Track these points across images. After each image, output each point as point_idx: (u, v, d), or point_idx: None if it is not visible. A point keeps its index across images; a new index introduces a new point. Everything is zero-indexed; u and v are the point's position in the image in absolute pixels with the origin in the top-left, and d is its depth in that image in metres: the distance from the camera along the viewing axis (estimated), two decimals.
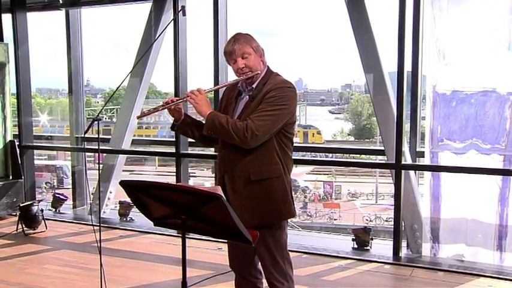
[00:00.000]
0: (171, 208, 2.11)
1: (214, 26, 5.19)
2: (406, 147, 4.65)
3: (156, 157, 15.47)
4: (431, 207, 4.50)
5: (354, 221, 20.26)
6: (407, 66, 4.52)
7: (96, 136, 3.16)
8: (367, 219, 20.67)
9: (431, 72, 4.44)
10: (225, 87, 2.93)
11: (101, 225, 4.13)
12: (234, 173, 2.68)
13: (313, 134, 27.15)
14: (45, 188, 19.17)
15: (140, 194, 2.19)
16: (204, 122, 2.70)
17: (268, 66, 2.79)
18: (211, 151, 5.60)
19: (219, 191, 2.00)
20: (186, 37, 5.37)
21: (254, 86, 2.73)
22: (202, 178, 17.53)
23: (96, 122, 3.14)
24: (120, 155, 6.01)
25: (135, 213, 6.09)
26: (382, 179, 22.95)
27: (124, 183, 2.18)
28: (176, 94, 5.22)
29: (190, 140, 5.29)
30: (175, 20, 5.14)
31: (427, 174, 4.50)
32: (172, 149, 5.43)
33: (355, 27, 4.80)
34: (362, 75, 4.90)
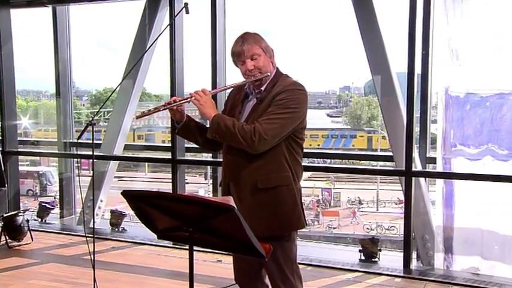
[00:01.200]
0: (178, 220, 2.07)
1: (212, 25, 5.16)
2: (416, 153, 4.63)
3: (146, 163, 15.33)
4: (444, 216, 4.48)
5: (353, 229, 20.27)
6: (417, 67, 4.51)
7: (86, 141, 3.12)
8: (367, 228, 20.67)
9: (443, 73, 4.42)
10: (230, 89, 2.90)
11: (89, 235, 4.05)
12: (240, 180, 2.66)
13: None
14: (31, 195, 18.99)
15: (144, 204, 2.14)
16: (207, 125, 2.67)
17: (277, 67, 2.77)
18: (208, 157, 5.56)
19: (231, 202, 1.96)
20: (182, 37, 5.34)
21: (263, 88, 2.71)
22: (195, 185, 17.45)
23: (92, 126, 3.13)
24: (111, 161, 5.94)
25: (128, 223, 6.05)
26: (383, 186, 22.98)
27: (126, 194, 2.13)
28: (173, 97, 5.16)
29: (187, 145, 5.30)
30: (172, 25, 5.10)
31: (439, 181, 4.48)
32: (168, 155, 5.38)
33: (362, 25, 4.77)
34: (361, 77, 4.94)
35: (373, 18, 4.72)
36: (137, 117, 2.75)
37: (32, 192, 19.87)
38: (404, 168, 4.54)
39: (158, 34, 5.42)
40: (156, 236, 2.31)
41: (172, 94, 5.20)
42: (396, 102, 4.75)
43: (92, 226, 5.83)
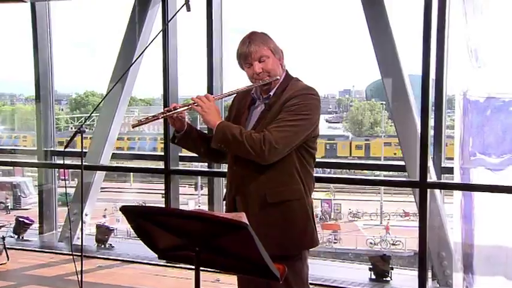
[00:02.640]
0: (183, 238, 2.03)
1: (208, 24, 5.13)
2: (430, 162, 4.62)
3: (131, 173, 15.26)
4: (462, 231, 4.44)
5: (356, 244, 20.27)
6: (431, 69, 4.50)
7: (69, 149, 3.08)
8: (371, 243, 20.67)
9: (461, 76, 4.41)
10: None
11: (76, 254, 3.98)
12: (247, 194, 2.65)
13: None
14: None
15: (144, 221, 2.10)
16: (207, 131, 2.66)
17: (286, 70, 2.77)
18: (203, 166, 5.54)
19: (244, 218, 1.94)
20: (176, 38, 5.31)
21: (271, 93, 2.70)
22: (184, 196, 17.38)
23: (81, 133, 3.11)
24: (97, 172, 5.89)
25: (115, 239, 5.99)
26: (387, 197, 23.03)
27: (126, 210, 2.10)
28: (166, 103, 5.13)
29: (180, 153, 5.27)
30: (165, 30, 5.08)
31: (457, 194, 4.45)
32: (161, 165, 5.34)
33: (372, 23, 4.77)
34: (363, 79, 4.90)
35: (384, 15, 4.71)
36: (133, 126, 2.74)
37: (3, 205, 19.61)
38: (418, 179, 4.51)
39: (149, 33, 5.42)
40: (156, 255, 2.27)
41: (166, 99, 5.16)
42: (408, 107, 4.74)
43: (79, 242, 5.75)
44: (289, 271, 2.59)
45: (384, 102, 29.24)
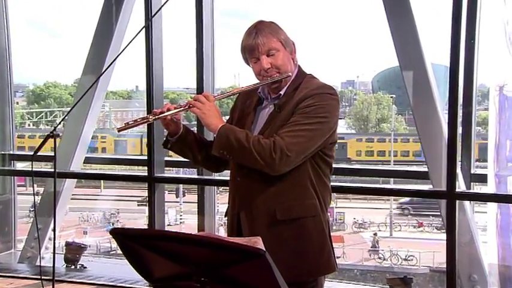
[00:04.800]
0: (186, 266, 2.00)
1: (197, 10, 5.10)
2: (458, 169, 4.61)
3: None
4: (499, 250, 4.45)
5: (362, 259, 20.38)
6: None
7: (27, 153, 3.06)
8: (379, 258, 20.79)
9: (497, 67, 4.41)
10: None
11: (45, 278, 3.93)
12: (253, 209, 2.65)
13: None
14: None
15: (139, 246, 2.07)
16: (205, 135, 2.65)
17: (299, 65, 2.76)
18: (193, 173, 5.50)
19: (260, 244, 1.91)
20: (161, 26, 5.26)
21: (282, 92, 2.69)
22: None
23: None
24: (67, 179, 5.84)
25: (84, 257, 5.92)
26: (397, 204, 23.17)
27: (116, 233, 2.07)
28: (150, 99, 5.09)
29: (167, 157, 5.24)
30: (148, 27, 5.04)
31: (492, 206, 4.46)
32: (144, 171, 5.29)
33: (390, 7, 4.75)
34: (369, 69, 4.89)
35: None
36: (119, 130, 2.71)
37: None
38: (445, 189, 4.50)
39: (129, 14, 5.37)
40: (151, 285, 2.25)
41: (149, 94, 5.12)
42: (433, 104, 4.72)
43: (44, 263, 5.77)
44: None
45: (394, 96, 29.46)
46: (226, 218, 2.86)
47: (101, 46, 5.53)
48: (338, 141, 2.79)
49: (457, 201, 4.49)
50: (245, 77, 2.74)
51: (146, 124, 2.99)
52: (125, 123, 2.67)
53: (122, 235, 2.08)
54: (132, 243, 2.08)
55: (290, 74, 2.66)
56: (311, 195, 2.64)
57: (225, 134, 2.54)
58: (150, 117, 2.65)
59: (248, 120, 2.73)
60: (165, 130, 2.80)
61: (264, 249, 1.88)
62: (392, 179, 9.80)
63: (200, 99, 2.59)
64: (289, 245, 2.60)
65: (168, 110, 2.63)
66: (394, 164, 23.78)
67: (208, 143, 2.79)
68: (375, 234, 22.06)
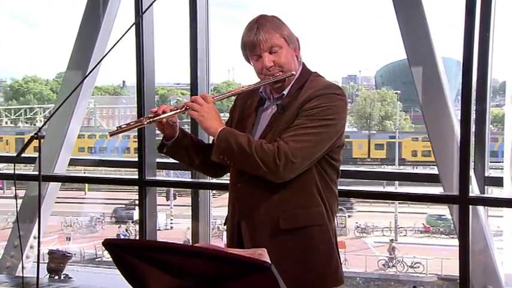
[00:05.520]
0: (185, 280, 2.00)
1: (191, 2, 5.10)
2: (471, 171, 4.61)
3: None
4: None
5: (365, 266, 20.41)
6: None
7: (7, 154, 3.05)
8: (383, 264, 20.84)
9: None
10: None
11: None
12: (255, 217, 2.66)
13: None
14: None
15: (134, 258, 2.06)
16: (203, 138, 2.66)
17: (303, 63, 2.76)
18: (186, 176, 5.50)
19: (265, 256, 1.91)
20: (153, 19, 5.25)
21: (285, 92, 2.69)
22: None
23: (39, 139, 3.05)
24: (51, 183, 5.83)
25: (73, 267, 5.92)
26: (402, 208, 23.21)
27: (110, 244, 2.06)
28: (140, 96, 5.08)
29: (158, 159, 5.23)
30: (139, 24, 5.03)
31: (508, 212, 4.46)
32: (134, 174, 5.28)
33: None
34: (372, 64, 4.88)
35: None
36: (110, 134, 2.72)
37: None
38: (457, 193, 4.50)
39: (118, 5, 5.35)
40: None
41: (140, 90, 5.11)
42: (444, 101, 4.72)
43: (23, 273, 5.75)
44: None
45: (399, 91, 29.52)
46: (225, 227, 2.86)
47: (87, 39, 5.49)
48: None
49: (470, 207, 4.51)
50: (239, 72, 2.72)
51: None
52: (117, 127, 2.67)
53: (115, 246, 2.07)
54: (127, 255, 2.07)
55: (294, 72, 2.67)
56: (317, 202, 2.65)
57: (225, 138, 2.54)
58: (144, 120, 2.65)
59: (249, 122, 2.73)
60: (157, 130, 2.80)
61: (269, 262, 1.87)
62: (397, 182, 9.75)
63: (198, 100, 2.60)
64: (294, 256, 2.61)
65: (164, 112, 2.63)
66: (398, 164, 23.87)
67: (206, 146, 2.79)
68: (392, 240, 22.05)
